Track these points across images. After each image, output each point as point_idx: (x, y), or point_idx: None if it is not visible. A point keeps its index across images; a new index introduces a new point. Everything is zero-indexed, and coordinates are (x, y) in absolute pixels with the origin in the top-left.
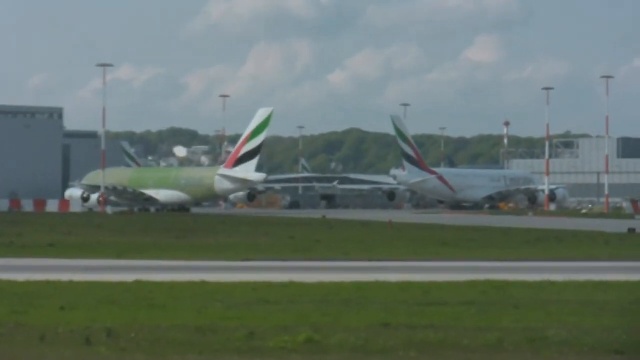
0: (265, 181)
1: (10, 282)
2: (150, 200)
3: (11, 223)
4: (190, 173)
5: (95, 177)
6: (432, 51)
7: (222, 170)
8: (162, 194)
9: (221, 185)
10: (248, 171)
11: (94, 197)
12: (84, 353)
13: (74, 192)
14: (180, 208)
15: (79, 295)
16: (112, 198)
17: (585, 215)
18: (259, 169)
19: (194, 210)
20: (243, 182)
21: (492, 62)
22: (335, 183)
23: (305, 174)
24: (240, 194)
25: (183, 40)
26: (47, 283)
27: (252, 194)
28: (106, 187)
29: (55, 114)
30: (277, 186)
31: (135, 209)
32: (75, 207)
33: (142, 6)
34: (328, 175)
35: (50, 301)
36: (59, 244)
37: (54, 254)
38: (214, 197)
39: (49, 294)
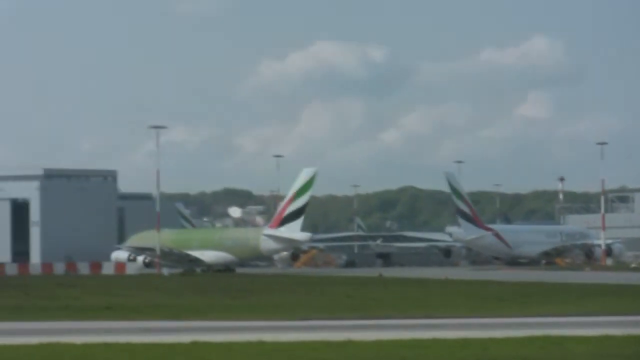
0: (313, 240)
1: (68, 345)
2: (196, 261)
3: (68, 286)
4: (236, 234)
5: (139, 239)
6: (485, 108)
7: (268, 230)
8: (207, 255)
9: (267, 245)
10: (293, 231)
11: (140, 259)
12: None
13: (119, 255)
14: (225, 269)
15: (137, 358)
16: (157, 260)
17: (636, 269)
18: (314, 228)
19: (252, 270)
20: (289, 242)
21: (544, 118)
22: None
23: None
24: (284, 254)
25: (236, 101)
26: (105, 346)
27: (296, 254)
28: (152, 249)
29: (109, 177)
30: (321, 245)
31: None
32: (132, 270)
33: (194, 68)
34: (383, 233)
35: None
36: (116, 306)
37: (111, 316)
38: (259, 257)
39: (107, 357)
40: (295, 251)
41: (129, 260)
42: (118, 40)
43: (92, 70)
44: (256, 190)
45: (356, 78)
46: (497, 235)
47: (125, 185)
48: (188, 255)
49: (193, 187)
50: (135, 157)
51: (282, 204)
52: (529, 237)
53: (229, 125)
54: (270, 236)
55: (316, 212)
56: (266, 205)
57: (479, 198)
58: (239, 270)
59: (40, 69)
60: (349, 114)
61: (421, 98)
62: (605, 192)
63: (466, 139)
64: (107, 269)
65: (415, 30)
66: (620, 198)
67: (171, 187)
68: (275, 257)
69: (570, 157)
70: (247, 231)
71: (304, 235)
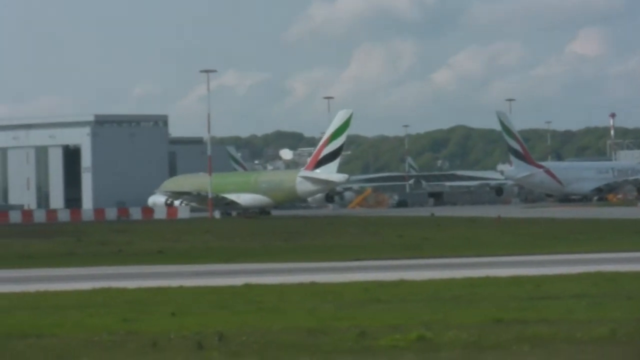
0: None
1: (121, 290)
2: (232, 204)
3: (120, 232)
4: (271, 177)
5: (174, 183)
6: (536, 46)
7: (304, 172)
8: (243, 198)
9: (303, 187)
10: (330, 173)
11: (177, 203)
12: (196, 358)
13: (157, 199)
14: (261, 211)
15: (190, 301)
16: (194, 204)
17: None
18: (365, 169)
19: (305, 212)
20: (325, 184)
21: (596, 55)
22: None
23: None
24: (319, 195)
25: (286, 45)
26: (158, 290)
27: (331, 195)
28: (189, 193)
29: (160, 122)
30: (355, 186)
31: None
32: (183, 214)
33: (245, 12)
34: (435, 173)
35: (161, 308)
36: (168, 250)
37: (164, 261)
38: (295, 199)
39: (159, 300)
40: (330, 192)
41: (166, 204)
42: None
43: (143, 15)
44: (307, 132)
45: (407, 19)
46: (548, 172)
47: (177, 130)
48: (224, 198)
49: (244, 131)
50: (186, 102)
51: (318, 146)
52: (581, 173)
53: (279, 69)
54: (306, 178)
55: (367, 153)
56: (316, 146)
57: (530, 136)
58: (275, 212)
59: (91, 16)
60: (399, 55)
61: (472, 37)
62: None
63: (517, 77)
64: (159, 214)
65: None
66: None
67: (222, 131)
68: (310, 199)
69: (621, 94)
70: (283, 173)
71: (340, 177)
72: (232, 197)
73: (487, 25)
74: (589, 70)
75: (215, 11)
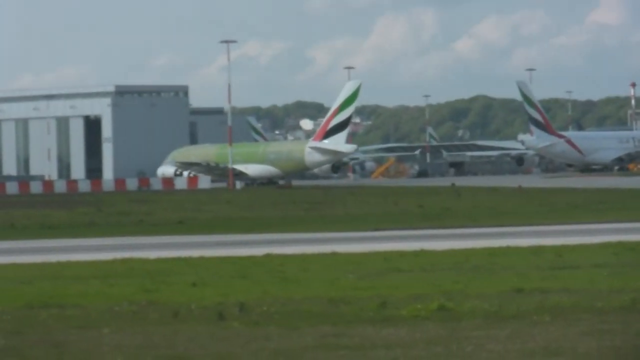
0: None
1: (142, 261)
2: (240, 175)
3: (141, 202)
4: (279, 147)
5: (182, 154)
6: (558, 15)
7: (312, 143)
8: (252, 169)
9: (312, 157)
10: (338, 143)
11: (186, 174)
12: (217, 329)
13: (166, 170)
14: (269, 182)
15: (211, 271)
16: (201, 174)
17: None
18: (385, 139)
19: (326, 182)
20: (334, 154)
21: (619, 23)
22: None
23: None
24: (326, 166)
25: (309, 14)
26: (179, 260)
27: (337, 166)
28: (198, 164)
29: (181, 92)
30: (361, 156)
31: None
32: (204, 184)
33: None
34: (456, 142)
35: (182, 278)
36: (189, 221)
37: (184, 231)
38: (304, 169)
39: (180, 271)
40: (337, 163)
41: (176, 175)
42: None
43: None
44: (328, 103)
45: None
46: (569, 142)
47: (198, 100)
48: (234, 169)
49: (265, 101)
50: (208, 72)
51: (327, 116)
52: (602, 143)
53: (301, 39)
54: (315, 148)
55: (387, 123)
56: None
57: (550, 105)
58: (296, 183)
59: None
60: (421, 25)
61: (494, 6)
62: None
63: (538, 46)
64: (180, 184)
65: None
66: None
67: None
68: (316, 170)
69: None
70: (291, 144)
71: (349, 147)
72: (240, 167)
73: None
74: (611, 39)
75: None
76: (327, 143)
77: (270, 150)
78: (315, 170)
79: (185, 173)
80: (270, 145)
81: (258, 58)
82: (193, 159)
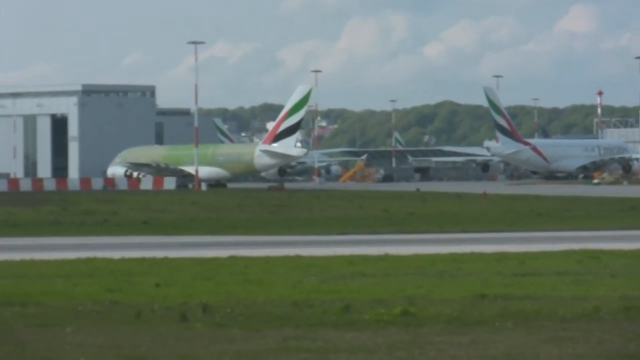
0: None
1: (106, 260)
2: (189, 176)
3: (106, 202)
4: (229, 150)
5: (132, 154)
6: (528, 22)
7: (262, 146)
8: (200, 171)
9: (261, 160)
10: (288, 147)
11: (135, 175)
12: (180, 329)
13: (116, 170)
14: (217, 184)
15: (174, 272)
16: (149, 175)
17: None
18: (352, 143)
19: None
20: (284, 158)
21: (587, 32)
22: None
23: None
24: (272, 170)
25: (279, 16)
26: (143, 260)
27: (284, 170)
28: (148, 165)
29: (148, 92)
30: (309, 161)
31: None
32: (170, 185)
33: None
34: (422, 148)
35: (146, 278)
36: (154, 221)
37: (149, 231)
38: (253, 172)
39: (144, 271)
40: (283, 167)
41: (126, 175)
42: None
43: None
44: None
45: None
46: (534, 149)
47: (167, 101)
48: (182, 170)
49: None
50: (176, 73)
51: (277, 120)
52: (567, 151)
53: (270, 41)
54: (265, 152)
55: (354, 127)
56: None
57: (517, 112)
58: (231, 185)
59: None
60: (391, 29)
61: (465, 11)
62: None
63: (507, 53)
64: (146, 185)
65: None
66: None
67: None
68: (263, 173)
69: (609, 72)
70: (241, 147)
71: (299, 151)
72: (189, 169)
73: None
74: (579, 47)
75: None
76: (277, 147)
77: (219, 153)
78: (263, 174)
79: (135, 174)
80: (220, 148)
81: (227, 59)
82: (143, 160)
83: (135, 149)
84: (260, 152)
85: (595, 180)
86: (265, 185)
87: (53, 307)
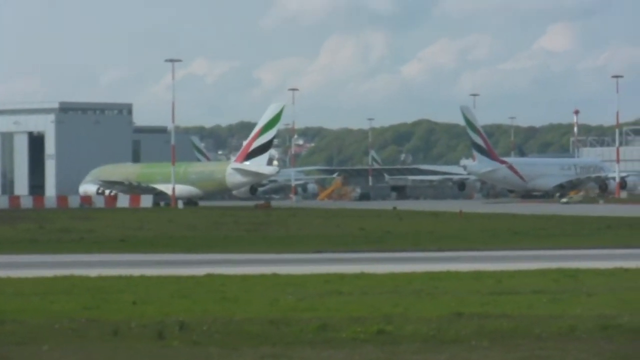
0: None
1: (82, 278)
2: (161, 194)
3: (83, 219)
4: (201, 168)
5: (105, 172)
6: (507, 41)
7: (234, 164)
8: (172, 188)
9: (233, 179)
10: (260, 165)
11: (107, 192)
12: (157, 347)
13: (88, 188)
14: (188, 202)
15: (151, 290)
16: (122, 194)
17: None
18: (329, 161)
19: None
20: (256, 176)
21: (565, 51)
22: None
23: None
24: (244, 188)
25: (258, 34)
26: (119, 278)
27: (255, 188)
28: (121, 182)
29: (125, 110)
30: (280, 179)
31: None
32: (147, 203)
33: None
34: (398, 166)
35: (123, 296)
36: (131, 239)
37: (126, 249)
38: (225, 190)
39: (121, 289)
40: (255, 185)
41: (98, 193)
42: None
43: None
44: None
45: (379, 11)
46: (511, 168)
47: (145, 118)
48: (154, 188)
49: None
50: (155, 90)
51: (249, 138)
52: (543, 170)
53: (249, 59)
54: (237, 170)
55: (331, 145)
56: (281, 138)
57: (493, 131)
58: (241, 203)
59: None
60: (370, 47)
61: (443, 31)
62: (620, 126)
63: (485, 72)
64: (122, 202)
65: None
66: (635, 131)
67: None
68: (235, 191)
69: (586, 91)
70: (213, 165)
71: (271, 169)
72: (161, 187)
73: (459, 18)
74: (556, 66)
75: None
76: (249, 165)
77: (191, 171)
78: (234, 192)
79: (107, 191)
80: (192, 166)
81: (205, 77)
82: (115, 178)
83: (107, 167)
84: (232, 170)
85: (564, 200)
86: (239, 203)
87: (30, 325)
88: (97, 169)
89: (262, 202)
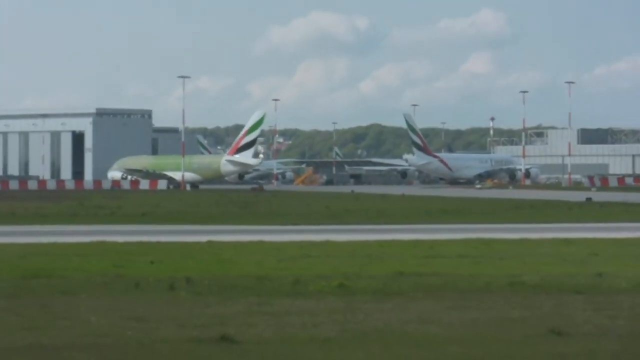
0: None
1: (113, 243)
2: (170, 180)
3: (113, 198)
4: (202, 159)
5: (127, 162)
6: (440, 65)
7: (227, 157)
8: (179, 175)
9: (226, 168)
10: (247, 157)
11: (129, 177)
12: (169, 297)
13: (114, 174)
14: (192, 186)
15: (165, 253)
16: (139, 179)
17: (549, 187)
18: (302, 155)
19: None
20: (244, 166)
21: (484, 72)
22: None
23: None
24: (233, 175)
25: (249, 58)
26: (141, 244)
27: (242, 175)
28: (140, 170)
29: (146, 115)
30: (262, 168)
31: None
32: (162, 186)
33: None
34: (356, 159)
35: (143, 257)
36: (150, 214)
37: (146, 221)
38: (220, 177)
39: (141, 252)
40: (242, 174)
41: (122, 179)
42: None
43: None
44: None
45: (343, 41)
46: (442, 161)
47: (161, 121)
48: (165, 175)
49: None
50: (169, 100)
51: (238, 137)
52: (467, 163)
53: (242, 76)
54: (229, 161)
55: (304, 143)
56: (266, 137)
57: (429, 133)
58: (234, 187)
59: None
60: (334, 69)
61: (391, 57)
62: (525, 129)
63: (423, 88)
64: (144, 185)
65: (389, 4)
66: (537, 134)
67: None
68: (227, 177)
69: (502, 103)
70: (211, 157)
71: (255, 160)
72: (171, 174)
73: (403, 47)
74: (477, 84)
75: (195, 28)
76: (238, 157)
77: (194, 162)
78: (227, 178)
79: (129, 177)
80: (194, 158)
81: (208, 90)
82: (135, 167)
83: (129, 158)
84: (225, 161)
85: (478, 186)
86: (231, 187)
87: (71, 279)
88: (121, 160)
89: (255, 186)
